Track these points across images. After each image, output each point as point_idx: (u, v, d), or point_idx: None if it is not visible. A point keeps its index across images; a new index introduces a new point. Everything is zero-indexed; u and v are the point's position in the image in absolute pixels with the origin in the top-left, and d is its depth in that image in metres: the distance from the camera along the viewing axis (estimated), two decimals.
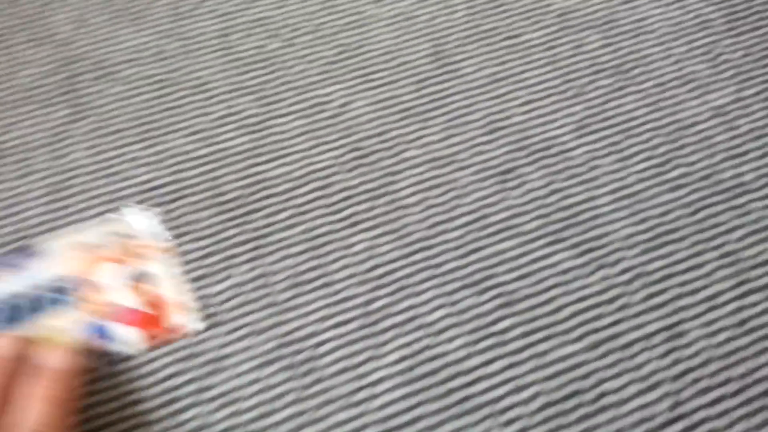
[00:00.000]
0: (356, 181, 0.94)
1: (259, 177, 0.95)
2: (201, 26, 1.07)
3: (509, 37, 1.06)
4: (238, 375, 0.83)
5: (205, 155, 0.97)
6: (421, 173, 0.95)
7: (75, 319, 0.76)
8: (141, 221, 0.83)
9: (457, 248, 0.89)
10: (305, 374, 0.82)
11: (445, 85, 1.02)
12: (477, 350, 0.82)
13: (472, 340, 0.83)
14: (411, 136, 0.98)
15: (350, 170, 0.95)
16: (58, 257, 0.79)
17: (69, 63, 1.04)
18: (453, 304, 0.85)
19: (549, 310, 0.85)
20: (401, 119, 0.99)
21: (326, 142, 0.97)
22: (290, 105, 1.01)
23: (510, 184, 0.94)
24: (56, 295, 0.78)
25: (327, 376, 0.82)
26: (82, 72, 1.03)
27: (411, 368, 0.82)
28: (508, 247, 0.89)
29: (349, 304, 0.88)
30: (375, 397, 0.80)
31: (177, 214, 0.93)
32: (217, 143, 0.98)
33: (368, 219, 0.91)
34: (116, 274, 0.80)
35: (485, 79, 1.02)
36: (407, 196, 0.93)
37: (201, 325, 0.85)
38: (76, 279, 0.78)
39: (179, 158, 0.97)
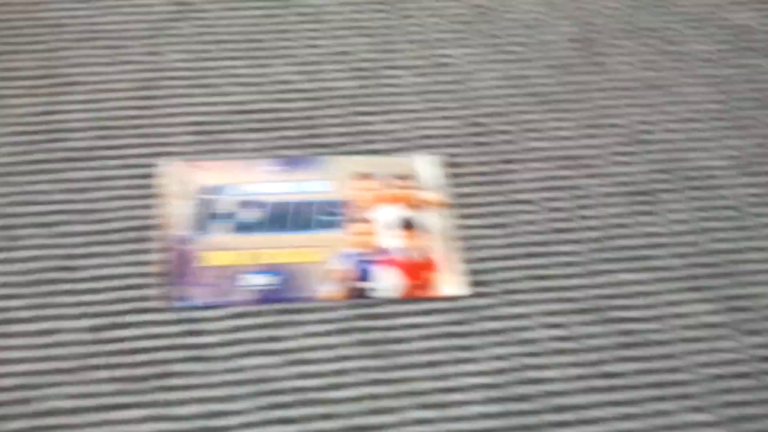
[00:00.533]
0: (471, 159, 0.80)
1: (361, 128, 0.82)
2: None
3: (672, 42, 0.93)
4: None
5: (308, 90, 0.84)
6: (547, 170, 0.82)
7: (340, 247, 0.73)
8: (427, 168, 0.78)
9: (574, 264, 0.76)
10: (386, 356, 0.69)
11: (589, 77, 0.89)
12: (582, 388, 0.69)
13: (580, 375, 0.69)
14: (541, 125, 0.84)
15: (467, 146, 0.81)
16: (337, 180, 0.77)
17: None
18: (563, 326, 0.71)
19: (678, 366, 0.70)
20: (533, 104, 0.86)
21: (444, 108, 0.85)
22: (410, 58, 0.89)
23: (647, 208, 0.80)
24: (326, 218, 0.76)
25: (409, 364, 0.69)
26: None
27: (503, 385, 0.68)
28: (636, 280, 0.75)
29: None
30: (456, 405, 0.68)
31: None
32: (323, 80, 0.86)
33: (477, 204, 0.78)
34: (391, 215, 0.77)
35: (636, 83, 0.89)
36: (526, 191, 0.79)
37: (466, 291, 0.73)
38: (350, 207, 0.75)
39: (280, 87, 0.85)
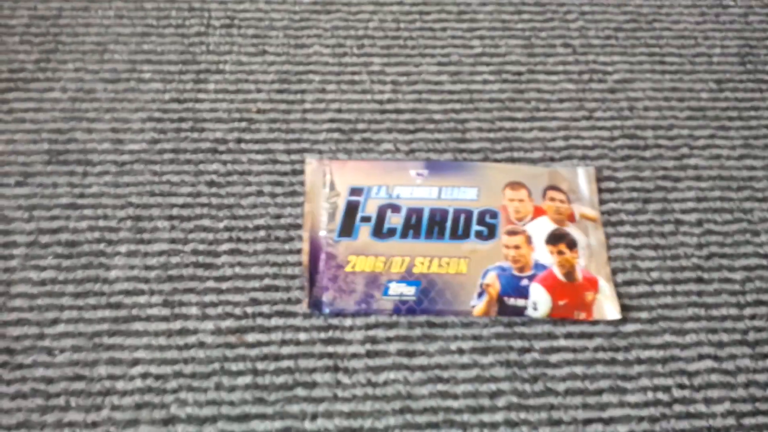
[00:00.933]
0: (626, 174, 0.76)
1: (508, 134, 0.78)
2: None
3: None
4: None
5: (455, 92, 0.81)
6: (707, 189, 0.77)
7: (492, 260, 0.70)
8: (582, 180, 0.75)
9: (737, 293, 0.71)
10: (532, 379, 0.66)
11: (751, 94, 0.83)
12: (746, 425, 0.63)
13: (741, 411, 0.64)
14: (700, 142, 0.79)
15: (621, 159, 0.77)
16: (487, 188, 0.74)
17: None
18: (723, 359, 0.66)
19: None
20: (691, 118, 0.81)
21: (597, 118, 0.80)
22: (561, 63, 0.84)
23: None
24: (482, 228, 0.73)
25: (558, 391, 0.65)
26: None
27: (659, 419, 0.64)
28: None
29: None
30: None
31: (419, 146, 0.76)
32: (471, 83, 0.83)
33: (632, 223, 0.73)
34: (545, 228, 0.73)
35: None
36: (685, 211, 0.75)
37: (618, 315, 0.69)
38: (504, 218, 0.72)
39: (426, 87, 0.82)
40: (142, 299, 0.68)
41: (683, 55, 0.86)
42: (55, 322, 0.67)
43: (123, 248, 0.71)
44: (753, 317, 0.70)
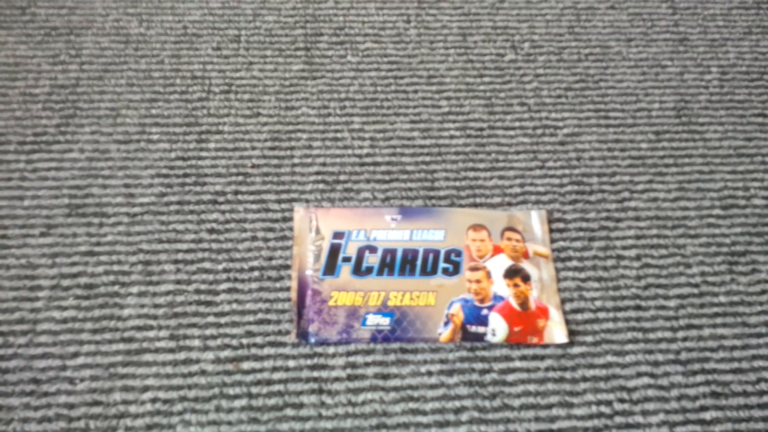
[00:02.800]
0: (574, 216, 0.80)
1: (471, 182, 0.82)
2: (444, 20, 0.97)
3: (761, 115, 0.91)
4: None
5: (425, 146, 0.85)
6: (645, 228, 0.81)
7: (456, 293, 0.75)
8: (535, 222, 0.80)
9: (670, 318, 0.75)
10: (491, 396, 0.70)
11: (685, 144, 0.88)
12: None
13: (674, 421, 0.69)
14: (639, 186, 0.84)
15: (570, 203, 0.82)
16: (452, 230, 0.78)
17: (311, 21, 0.95)
18: (658, 376, 0.71)
19: (765, 416, 0.70)
20: (631, 166, 0.85)
21: (548, 168, 0.85)
22: (518, 120, 0.89)
23: (740, 269, 0.79)
24: (447, 264, 0.77)
25: (514, 406, 0.70)
26: (322, 33, 0.93)
27: (601, 429, 0.69)
28: (728, 335, 0.74)
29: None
30: None
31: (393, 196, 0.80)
32: (439, 138, 0.87)
33: (579, 258, 0.78)
34: (502, 264, 0.78)
35: (729, 150, 0.87)
36: (625, 248, 0.79)
37: (566, 339, 0.75)
38: (467, 256, 0.77)
39: (400, 142, 0.86)
40: (151, 334, 0.72)
41: (626, 110, 0.91)
42: (75, 355, 0.71)
43: (134, 289, 0.75)
44: (685, 339, 0.75)
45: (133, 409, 0.68)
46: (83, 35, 0.91)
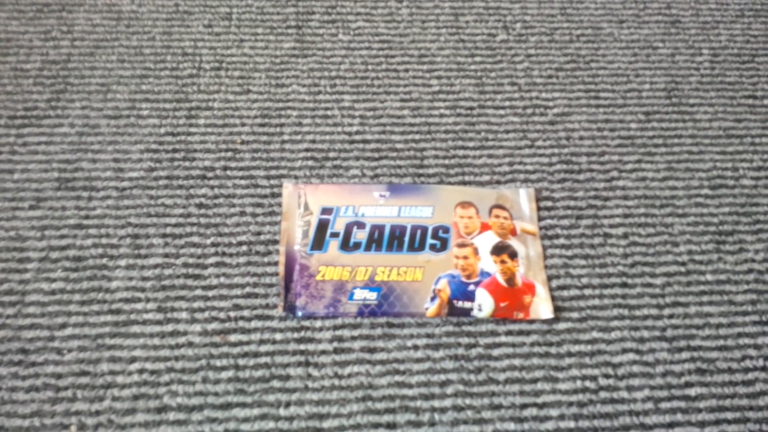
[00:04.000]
0: (562, 194, 0.81)
1: (460, 160, 0.83)
2: (436, 0, 0.95)
3: (752, 97, 0.91)
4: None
5: (414, 124, 0.85)
6: (633, 207, 0.81)
7: (444, 269, 0.75)
8: (523, 200, 0.81)
9: (656, 296, 0.76)
10: (477, 371, 0.71)
11: (675, 124, 0.88)
12: (662, 409, 0.69)
13: (659, 397, 0.69)
14: (628, 166, 0.84)
15: (558, 182, 0.82)
16: (441, 207, 0.79)
17: None
18: (643, 353, 0.71)
19: (749, 393, 0.70)
20: (620, 146, 0.86)
21: (537, 147, 0.85)
22: (508, 99, 0.89)
23: (727, 248, 0.79)
24: (436, 241, 0.78)
25: (499, 380, 0.71)
26: (314, 12, 0.93)
27: (586, 404, 0.68)
28: (713, 312, 0.75)
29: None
30: (544, 419, 0.69)
31: (382, 172, 0.81)
32: (429, 116, 0.87)
33: (566, 236, 0.78)
34: (490, 241, 0.79)
35: (718, 131, 0.88)
36: (613, 226, 0.80)
37: (551, 315, 0.75)
38: (455, 232, 0.77)
39: (389, 120, 0.86)
40: (139, 306, 0.73)
41: (616, 90, 0.92)
42: (63, 326, 0.72)
43: (123, 262, 0.75)
44: (671, 317, 0.76)
45: (120, 379, 0.69)
46: (75, 11, 0.92)
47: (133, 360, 0.70)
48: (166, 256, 0.76)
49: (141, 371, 0.69)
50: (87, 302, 0.73)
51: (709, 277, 0.78)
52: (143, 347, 0.71)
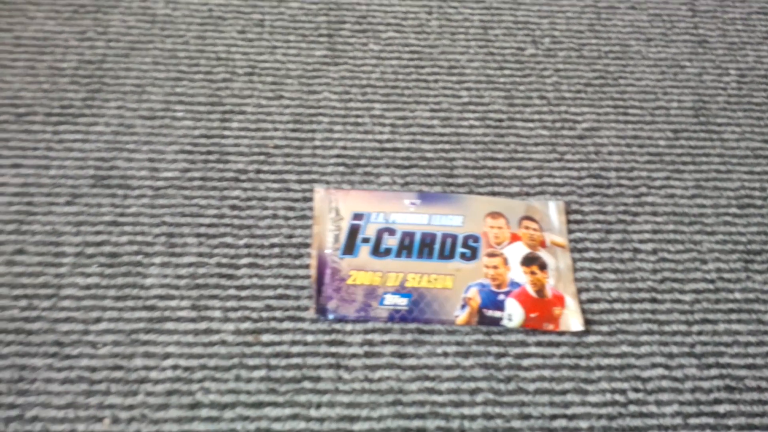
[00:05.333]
0: (591, 208, 0.81)
1: (490, 171, 0.84)
2: (466, 13, 0.99)
3: None
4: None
5: (444, 134, 0.86)
6: (662, 223, 0.82)
7: (474, 277, 0.76)
8: (553, 212, 0.81)
9: (685, 312, 0.76)
10: (506, 380, 0.71)
11: (702, 143, 0.89)
12: (691, 425, 0.70)
13: (688, 413, 0.70)
14: (657, 183, 0.85)
15: (587, 195, 0.83)
16: (470, 216, 0.80)
17: (335, 9, 0.96)
18: (673, 368, 0.72)
19: None
20: (649, 162, 0.87)
21: (566, 160, 0.86)
22: (537, 113, 0.90)
23: (756, 267, 0.80)
24: (466, 250, 0.78)
25: (528, 390, 0.71)
26: (345, 21, 0.95)
27: (615, 417, 0.69)
28: (742, 330, 0.75)
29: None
30: (573, 431, 0.67)
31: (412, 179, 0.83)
32: (459, 127, 0.88)
33: (596, 250, 0.79)
34: (520, 252, 0.79)
35: (746, 151, 0.89)
36: (642, 242, 0.80)
37: (582, 327, 0.75)
38: (485, 242, 0.78)
39: (419, 129, 0.87)
40: (173, 303, 0.74)
41: (644, 107, 0.93)
42: (98, 320, 0.72)
43: (157, 260, 0.76)
44: (700, 333, 0.76)
45: (153, 375, 0.69)
46: (110, 13, 0.93)
47: (166, 356, 0.70)
48: (200, 255, 0.76)
49: (174, 367, 0.70)
50: (122, 298, 0.74)
51: (737, 295, 0.78)
52: (177, 344, 0.71)
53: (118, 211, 0.79)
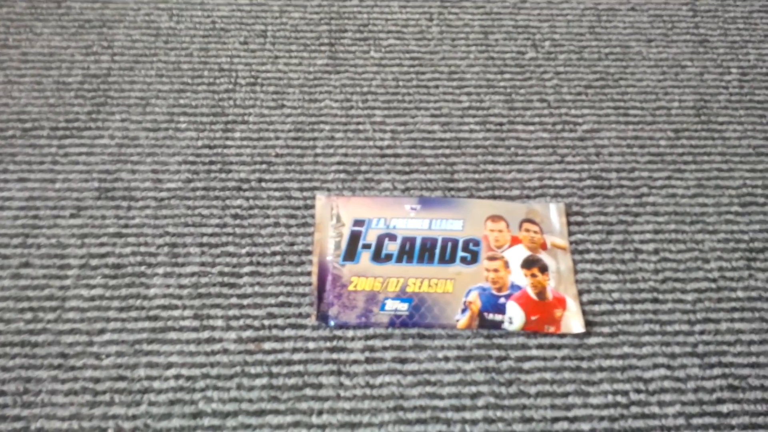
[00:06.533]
0: (592, 209, 0.80)
1: (490, 175, 0.82)
2: (466, 19, 0.97)
3: None
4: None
5: (445, 139, 0.85)
6: (664, 223, 0.81)
7: (475, 281, 0.75)
8: (553, 214, 0.81)
9: (687, 312, 0.75)
10: (508, 383, 0.70)
11: (704, 142, 0.87)
12: (694, 425, 0.68)
13: (690, 413, 0.68)
14: (658, 183, 0.83)
15: (588, 197, 0.82)
16: (471, 220, 0.79)
17: (336, 18, 0.96)
18: (675, 368, 0.70)
19: None
20: (650, 162, 0.85)
21: (567, 162, 0.85)
22: (537, 116, 0.89)
23: (758, 265, 0.78)
24: (467, 254, 0.78)
25: (530, 393, 0.70)
26: (346, 30, 0.94)
27: (617, 418, 0.67)
28: (745, 329, 0.74)
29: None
30: None
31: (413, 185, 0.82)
32: (459, 132, 0.87)
33: (597, 251, 0.77)
34: (520, 255, 0.78)
35: (748, 149, 0.87)
36: (643, 242, 0.79)
37: (583, 329, 0.74)
38: (485, 245, 0.77)
39: (420, 134, 0.86)
40: (176, 313, 0.73)
41: (645, 108, 0.91)
42: (102, 331, 0.72)
43: (160, 270, 0.76)
44: (702, 332, 0.75)
45: (156, 384, 0.69)
46: (115, 28, 0.93)
47: (169, 366, 0.70)
48: (203, 264, 0.76)
49: (177, 377, 0.69)
50: (125, 309, 0.73)
51: (740, 294, 0.77)
52: (179, 353, 0.71)
53: (122, 223, 0.79)
